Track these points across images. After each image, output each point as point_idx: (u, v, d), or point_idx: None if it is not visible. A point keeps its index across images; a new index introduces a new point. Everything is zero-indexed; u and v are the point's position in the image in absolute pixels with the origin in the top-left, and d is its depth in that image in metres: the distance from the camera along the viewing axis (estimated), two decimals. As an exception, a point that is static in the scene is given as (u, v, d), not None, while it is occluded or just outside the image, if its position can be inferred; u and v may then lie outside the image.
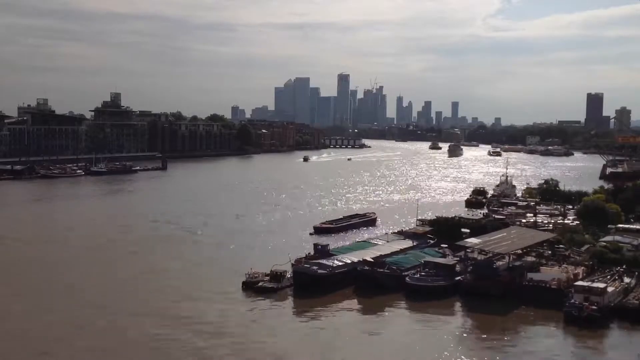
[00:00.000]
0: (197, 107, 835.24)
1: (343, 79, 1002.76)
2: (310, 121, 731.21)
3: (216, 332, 46.89)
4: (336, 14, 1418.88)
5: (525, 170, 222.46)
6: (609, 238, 71.79)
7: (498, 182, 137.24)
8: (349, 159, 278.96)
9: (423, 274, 59.97)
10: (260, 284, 58.12)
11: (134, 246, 77.76)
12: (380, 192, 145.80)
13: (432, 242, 75.59)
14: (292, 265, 61.28)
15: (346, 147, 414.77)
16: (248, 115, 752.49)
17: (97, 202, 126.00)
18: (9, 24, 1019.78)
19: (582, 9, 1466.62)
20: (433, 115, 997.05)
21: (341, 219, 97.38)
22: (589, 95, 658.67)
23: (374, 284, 58.74)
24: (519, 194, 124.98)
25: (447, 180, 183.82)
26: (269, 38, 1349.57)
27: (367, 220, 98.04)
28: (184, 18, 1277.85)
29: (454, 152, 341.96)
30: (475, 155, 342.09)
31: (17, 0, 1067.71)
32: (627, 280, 57.85)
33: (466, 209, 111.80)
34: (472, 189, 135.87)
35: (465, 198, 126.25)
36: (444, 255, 67.75)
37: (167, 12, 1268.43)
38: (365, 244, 73.65)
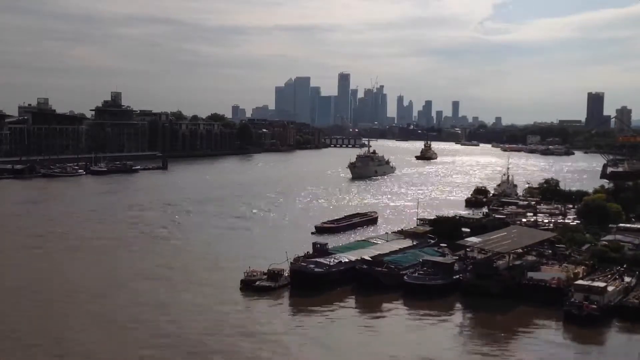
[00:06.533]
0: (198, 107, 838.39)
1: (343, 79, 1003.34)
2: (311, 121, 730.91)
3: (213, 332, 46.55)
4: (342, 17, 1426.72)
5: (527, 169, 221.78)
6: (609, 237, 71.66)
7: (499, 182, 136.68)
8: None
9: (421, 272, 59.66)
10: (257, 282, 57.88)
11: (133, 245, 77.56)
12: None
13: (432, 241, 75.31)
14: (290, 264, 61.02)
15: (347, 146, 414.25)
16: (249, 114, 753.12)
17: (99, 200, 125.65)
18: (26, 26, 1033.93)
19: (576, 12, 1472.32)
20: (434, 114, 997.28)
21: (343, 218, 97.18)
22: (590, 95, 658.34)
23: (372, 283, 58.47)
24: (520, 194, 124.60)
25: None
26: (271, 40, 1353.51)
27: (368, 220, 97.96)
28: (195, 21, 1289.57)
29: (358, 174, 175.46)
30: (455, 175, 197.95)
31: (38, 4, 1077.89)
32: (627, 279, 57.58)
33: (467, 209, 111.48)
34: (473, 189, 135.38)
35: (466, 197, 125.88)
36: (442, 255, 67.45)
37: (179, 15, 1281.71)
38: (365, 243, 73.34)
